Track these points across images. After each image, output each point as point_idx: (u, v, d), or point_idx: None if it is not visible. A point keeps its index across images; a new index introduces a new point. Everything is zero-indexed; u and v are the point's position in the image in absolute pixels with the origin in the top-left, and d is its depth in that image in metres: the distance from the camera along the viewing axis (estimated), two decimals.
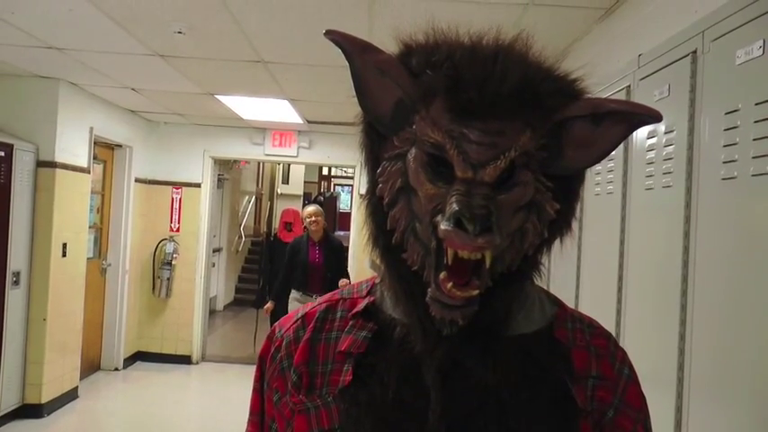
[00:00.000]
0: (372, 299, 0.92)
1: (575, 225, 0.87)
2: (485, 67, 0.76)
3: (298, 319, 0.95)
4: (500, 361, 0.82)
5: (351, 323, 0.91)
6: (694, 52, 1.75)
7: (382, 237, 0.85)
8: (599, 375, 0.87)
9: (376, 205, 0.85)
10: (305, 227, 6.25)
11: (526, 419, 0.82)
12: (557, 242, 0.87)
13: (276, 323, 0.99)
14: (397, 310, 0.88)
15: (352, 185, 8.85)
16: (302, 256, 6.07)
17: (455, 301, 0.77)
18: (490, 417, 0.81)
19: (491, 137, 0.76)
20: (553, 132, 0.79)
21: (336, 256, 6.27)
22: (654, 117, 0.79)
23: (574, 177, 0.84)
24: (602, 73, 2.57)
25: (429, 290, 0.79)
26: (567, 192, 0.83)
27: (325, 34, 0.83)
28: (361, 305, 0.92)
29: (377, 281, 0.94)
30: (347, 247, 7.34)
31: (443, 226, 0.75)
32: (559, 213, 0.82)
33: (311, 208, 6.32)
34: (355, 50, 0.82)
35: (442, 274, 0.77)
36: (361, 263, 7.25)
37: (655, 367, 1.65)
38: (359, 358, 0.86)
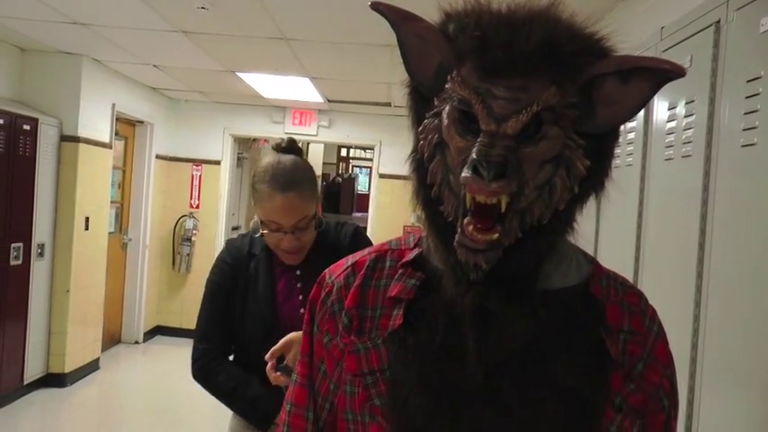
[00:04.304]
0: (420, 250, 0.97)
1: (608, 184, 0.90)
2: (512, 29, 0.81)
3: (348, 267, 1.00)
4: (533, 311, 0.87)
5: (400, 272, 0.96)
6: (717, 22, 1.76)
7: (423, 190, 0.91)
8: (630, 330, 0.91)
9: (419, 161, 0.91)
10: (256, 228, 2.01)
11: (562, 367, 0.87)
12: (590, 201, 0.91)
13: (326, 270, 1.04)
14: (437, 260, 0.93)
15: (370, 167, 8.86)
16: (260, 306, 1.99)
17: (478, 245, 0.82)
18: (527, 363, 0.87)
19: (514, 92, 0.81)
20: (583, 91, 0.83)
21: None
22: (677, 72, 0.82)
23: (607, 135, 0.88)
24: (625, 48, 2.57)
25: (456, 235, 0.84)
26: (601, 150, 0.87)
27: (370, 6, 0.89)
28: (410, 255, 0.97)
29: (423, 234, 0.99)
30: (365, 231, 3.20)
31: (464, 173, 0.80)
32: (592, 171, 0.85)
33: (283, 195, 1.88)
34: (398, 19, 0.89)
35: (467, 219, 0.82)
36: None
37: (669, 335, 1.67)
38: (408, 304, 0.92)
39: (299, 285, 2.00)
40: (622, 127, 2.47)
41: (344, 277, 0.99)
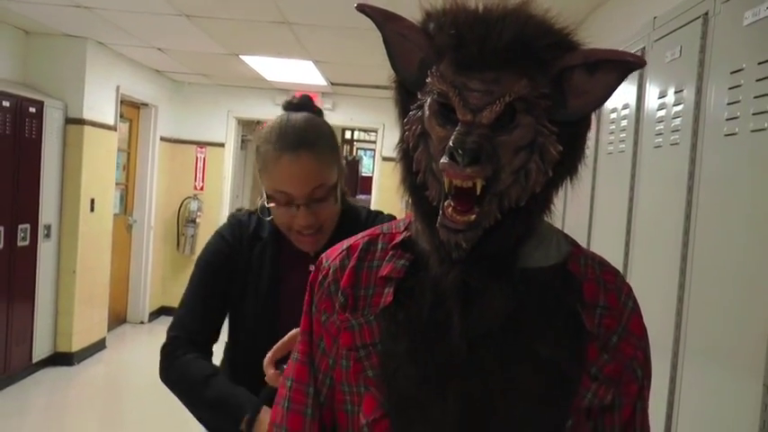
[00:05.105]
0: (409, 233, 1.04)
1: (581, 168, 0.97)
2: (486, 26, 0.88)
3: (343, 251, 1.07)
4: (513, 287, 0.93)
5: (391, 253, 1.03)
6: (706, 14, 1.81)
7: (409, 178, 0.97)
8: (606, 305, 0.97)
9: (405, 151, 0.97)
10: (264, 208, 1.66)
11: (541, 339, 0.93)
12: (567, 185, 0.97)
13: (323, 254, 1.11)
14: (424, 241, 0.99)
15: (374, 149, 8.90)
16: (260, 305, 1.62)
17: (457, 226, 0.89)
18: (508, 336, 0.93)
19: (488, 85, 0.87)
20: (554, 82, 0.89)
21: None
22: (637, 63, 0.89)
23: (579, 123, 0.94)
24: (621, 37, 2.63)
25: (438, 217, 0.91)
26: (574, 136, 0.93)
27: (356, 8, 0.96)
28: (399, 238, 1.04)
29: (413, 218, 1.05)
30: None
31: (442, 160, 0.87)
32: (566, 156, 0.92)
33: (293, 155, 1.51)
34: (382, 20, 0.96)
35: (446, 202, 0.89)
36: None
37: (653, 318, 1.75)
38: (398, 283, 0.99)
39: None
40: (615, 115, 2.54)
41: (340, 260, 1.06)
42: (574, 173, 0.97)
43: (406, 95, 0.98)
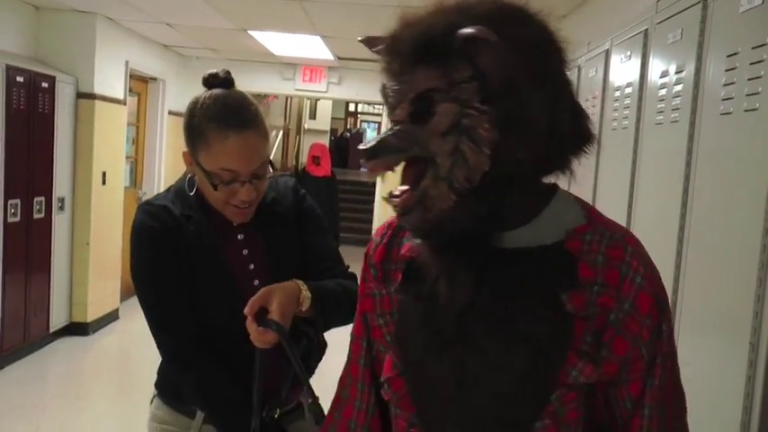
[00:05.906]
0: None
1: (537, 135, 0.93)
2: (407, 33, 0.94)
3: (386, 227, 1.19)
4: (480, 266, 0.99)
5: None
6: (705, 0, 1.92)
7: None
8: (603, 283, 0.96)
9: None
10: (192, 183, 1.70)
11: (522, 316, 0.98)
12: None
13: (375, 229, 1.23)
14: None
15: (379, 122, 8.99)
16: (214, 281, 1.63)
17: (397, 210, 0.98)
18: (492, 312, 1.00)
19: (402, 86, 0.95)
20: (473, 64, 0.92)
21: (315, 231, 1.77)
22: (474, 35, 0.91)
23: (510, 97, 0.92)
24: (624, 18, 2.73)
25: None
26: (514, 111, 0.91)
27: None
28: None
29: None
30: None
31: None
32: (515, 132, 0.91)
33: (239, 135, 1.55)
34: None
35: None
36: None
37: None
38: (410, 261, 1.09)
39: (245, 252, 1.66)
40: (620, 93, 2.63)
41: (380, 236, 1.18)
42: (527, 147, 0.93)
43: None
